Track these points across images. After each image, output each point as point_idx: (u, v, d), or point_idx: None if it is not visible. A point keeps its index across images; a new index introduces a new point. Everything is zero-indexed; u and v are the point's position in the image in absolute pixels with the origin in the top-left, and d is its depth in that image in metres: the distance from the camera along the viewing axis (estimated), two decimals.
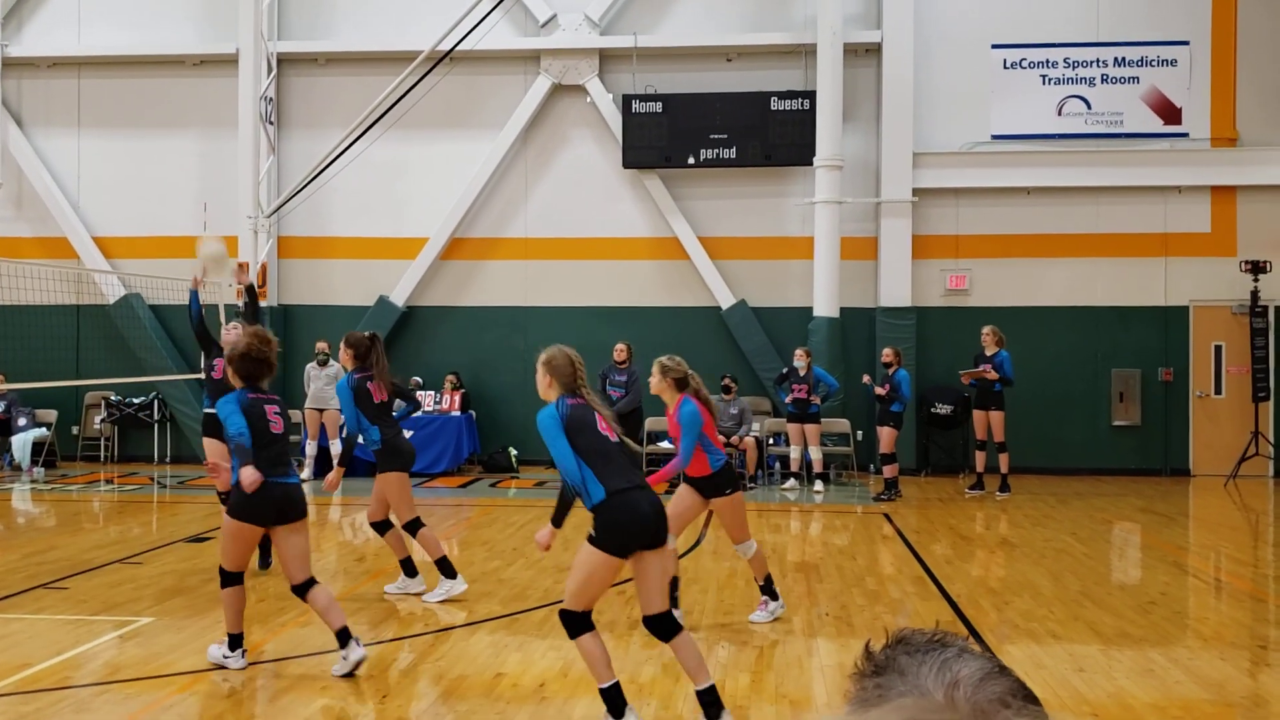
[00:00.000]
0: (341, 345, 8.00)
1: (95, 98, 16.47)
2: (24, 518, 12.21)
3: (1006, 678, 0.92)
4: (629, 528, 5.01)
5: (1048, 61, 15.19)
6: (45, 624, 7.09)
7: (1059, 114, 15.18)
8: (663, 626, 5.11)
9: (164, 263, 15.51)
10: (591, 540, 5.05)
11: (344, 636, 5.94)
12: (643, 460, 13.77)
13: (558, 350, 5.26)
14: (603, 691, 5.00)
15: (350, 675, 5.90)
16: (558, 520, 5.29)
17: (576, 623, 5.07)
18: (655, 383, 6.73)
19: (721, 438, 13.87)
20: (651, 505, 5.08)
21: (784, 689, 5.86)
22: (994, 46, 15.24)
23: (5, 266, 14.25)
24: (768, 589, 7.21)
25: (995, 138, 15.24)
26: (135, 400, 16.06)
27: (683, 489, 7.08)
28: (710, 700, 5.07)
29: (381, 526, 7.97)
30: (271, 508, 5.96)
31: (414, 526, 7.84)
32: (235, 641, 6.10)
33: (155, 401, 16.10)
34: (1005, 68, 15.25)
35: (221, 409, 5.93)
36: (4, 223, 16.51)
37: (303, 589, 6.04)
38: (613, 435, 5.18)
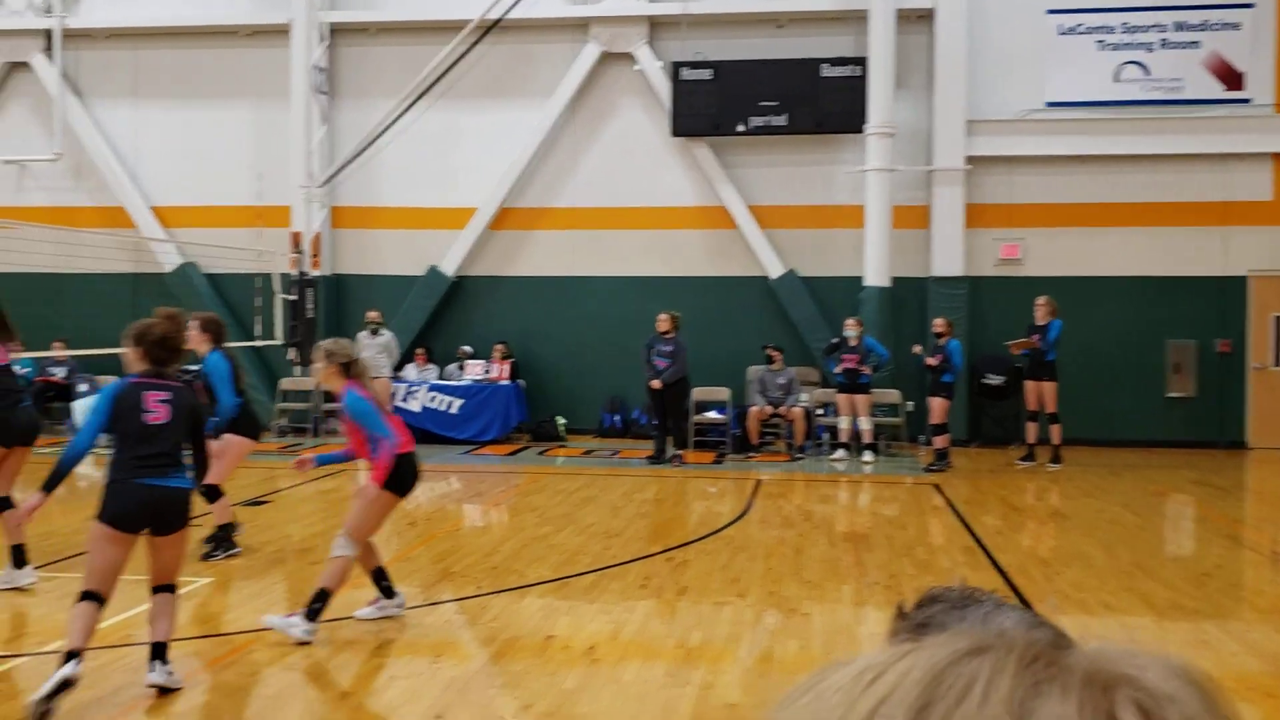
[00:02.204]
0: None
1: (151, 69, 16.68)
2: (84, 481, 12.49)
3: (1049, 626, 0.94)
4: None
5: (1105, 26, 14.89)
6: None
7: (1116, 80, 14.89)
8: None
9: (219, 232, 15.75)
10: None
11: (159, 651, 5.17)
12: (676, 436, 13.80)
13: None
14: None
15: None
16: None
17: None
18: (319, 370, 6.27)
19: (769, 406, 13.92)
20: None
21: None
22: (1049, 11, 14.95)
23: (65, 235, 14.53)
24: (314, 601, 6.01)
25: (1050, 105, 14.99)
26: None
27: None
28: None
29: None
30: (144, 513, 5.18)
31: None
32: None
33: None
34: (1061, 33, 14.97)
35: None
36: (63, 192, 16.81)
37: (160, 589, 5.30)
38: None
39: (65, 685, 4.82)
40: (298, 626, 5.89)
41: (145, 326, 5.39)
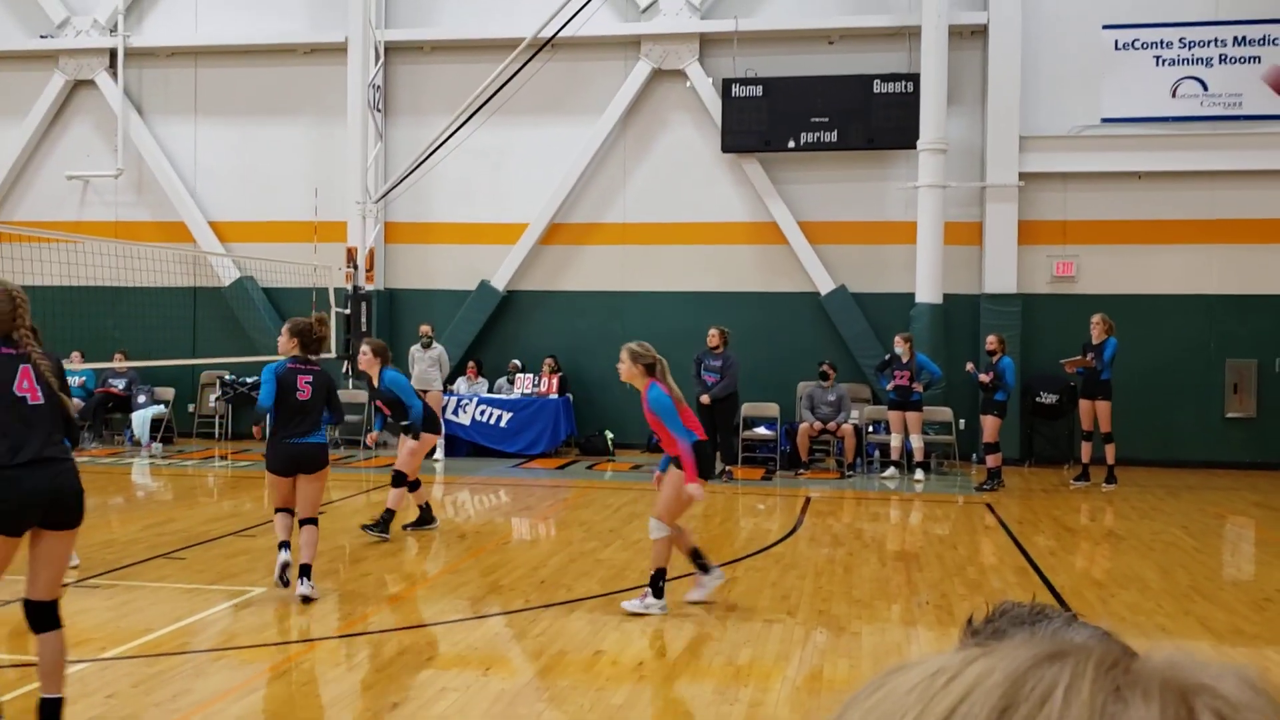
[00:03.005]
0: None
1: (211, 86, 17.01)
2: (143, 491, 12.73)
3: (1117, 641, 0.94)
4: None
5: (1162, 42, 14.72)
6: (166, 592, 7.41)
7: (1173, 96, 14.71)
8: (38, 616, 4.59)
9: (276, 246, 16.01)
10: None
11: (306, 570, 7.10)
12: (729, 450, 13.79)
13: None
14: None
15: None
16: None
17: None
18: (624, 369, 6.88)
19: (818, 423, 13.85)
20: (32, 484, 4.43)
21: None
22: (1105, 27, 14.81)
23: (126, 249, 14.83)
24: (654, 581, 6.87)
25: (1105, 121, 14.83)
26: (248, 380, 16.59)
27: (671, 470, 7.04)
28: (49, 714, 4.60)
29: None
30: (293, 464, 7.20)
31: None
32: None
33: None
34: (1117, 49, 14.81)
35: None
36: (125, 207, 17.17)
37: (306, 522, 7.27)
38: (34, 396, 4.48)
39: (285, 567, 7.23)
40: (655, 606, 6.80)
41: (300, 321, 7.34)
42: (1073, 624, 0.98)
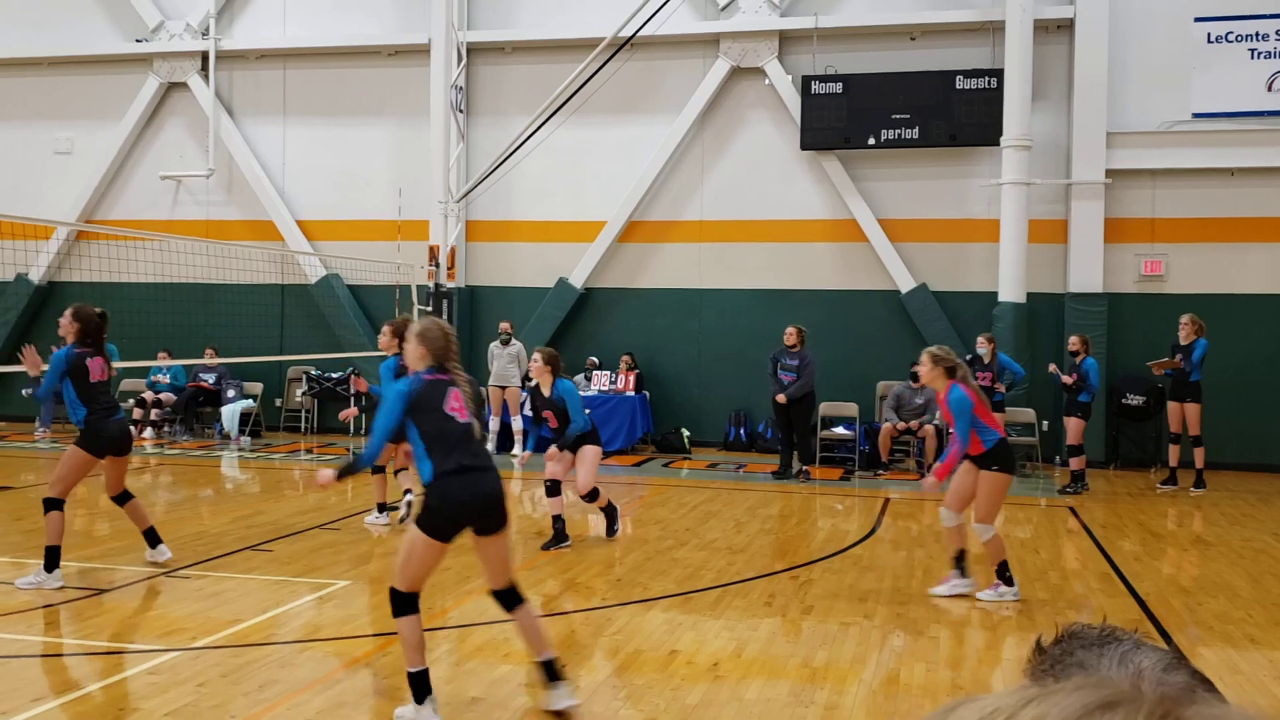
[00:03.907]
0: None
1: (299, 88, 17.39)
2: (232, 484, 13.08)
3: (1187, 667, 0.94)
4: (445, 512, 4.95)
5: (1257, 34, 14.29)
6: (253, 583, 7.62)
7: (1269, 90, 14.27)
8: (505, 599, 5.21)
9: (361, 245, 16.33)
10: (416, 520, 5.02)
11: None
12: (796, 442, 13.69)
13: (431, 322, 5.29)
14: (410, 675, 4.97)
15: None
16: (341, 474, 5.26)
17: (400, 602, 4.98)
18: (925, 371, 7.32)
19: (900, 423, 13.73)
20: (469, 488, 4.98)
21: (960, 681, 5.80)
22: (1197, 19, 14.43)
23: (217, 248, 15.24)
24: (1001, 573, 7.42)
25: (1196, 116, 14.45)
26: (333, 375, 16.94)
27: (964, 466, 7.54)
28: (551, 673, 5.14)
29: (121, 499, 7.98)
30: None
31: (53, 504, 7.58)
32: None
33: (351, 376, 16.91)
34: (1209, 41, 14.42)
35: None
36: (216, 206, 17.64)
37: None
38: (462, 415, 5.07)
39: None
40: (1009, 593, 7.29)
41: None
42: (1141, 647, 0.98)
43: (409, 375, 5.24)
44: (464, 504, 4.98)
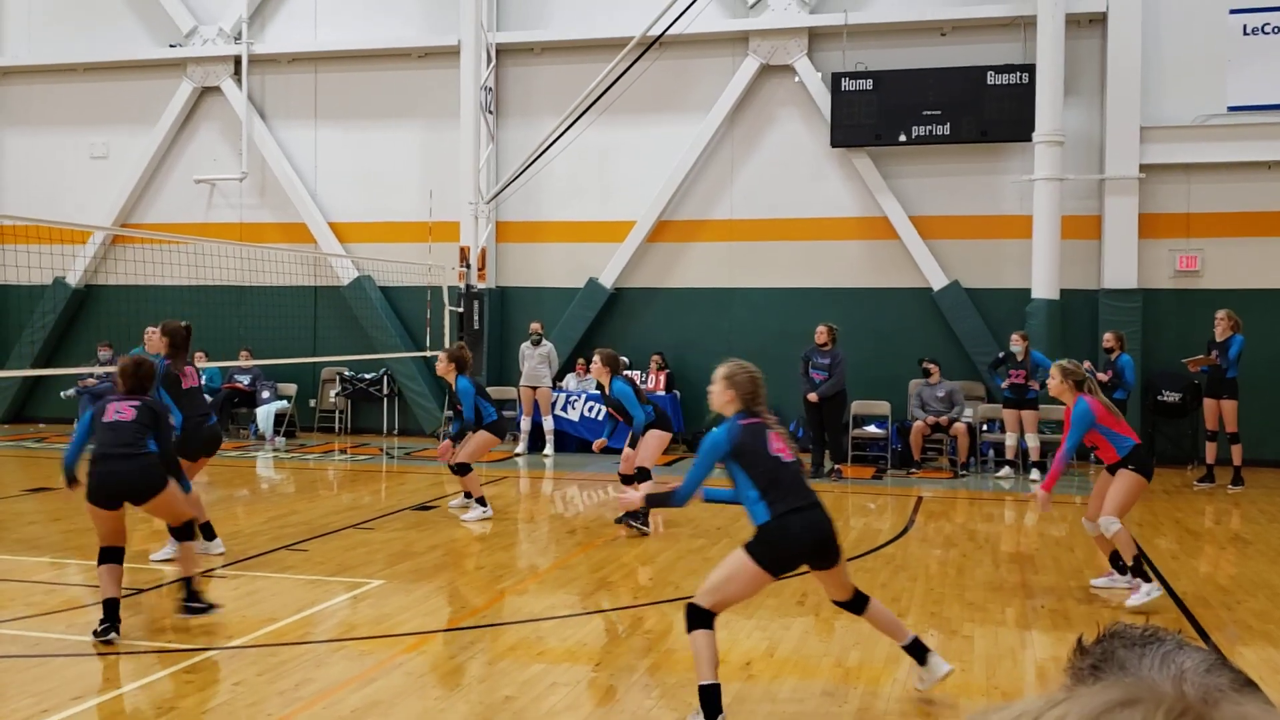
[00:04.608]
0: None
1: (330, 91, 17.51)
2: (267, 484, 13.20)
3: (1229, 668, 0.94)
4: (787, 549, 5.06)
5: None
6: (288, 583, 7.69)
7: None
8: (852, 606, 5.38)
9: (393, 246, 16.43)
10: (748, 547, 5.04)
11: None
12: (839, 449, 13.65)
13: (738, 366, 5.28)
14: (702, 689, 4.94)
15: None
16: (651, 501, 5.50)
17: (699, 616, 5.01)
18: (1055, 385, 7.46)
19: (930, 418, 13.66)
20: (811, 529, 5.09)
21: (995, 680, 5.76)
22: (1233, 11, 14.25)
23: (250, 251, 15.38)
24: (1136, 569, 7.37)
25: (1232, 109, 14.27)
26: (366, 376, 17.06)
27: (1103, 475, 7.75)
28: (918, 652, 5.38)
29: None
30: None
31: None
32: None
33: (385, 377, 17.05)
34: (1245, 34, 14.24)
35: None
36: (249, 209, 17.80)
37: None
38: (786, 455, 5.16)
39: None
40: (1154, 591, 7.19)
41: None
42: (1184, 647, 0.97)
43: (724, 421, 5.16)
44: (805, 544, 5.09)
